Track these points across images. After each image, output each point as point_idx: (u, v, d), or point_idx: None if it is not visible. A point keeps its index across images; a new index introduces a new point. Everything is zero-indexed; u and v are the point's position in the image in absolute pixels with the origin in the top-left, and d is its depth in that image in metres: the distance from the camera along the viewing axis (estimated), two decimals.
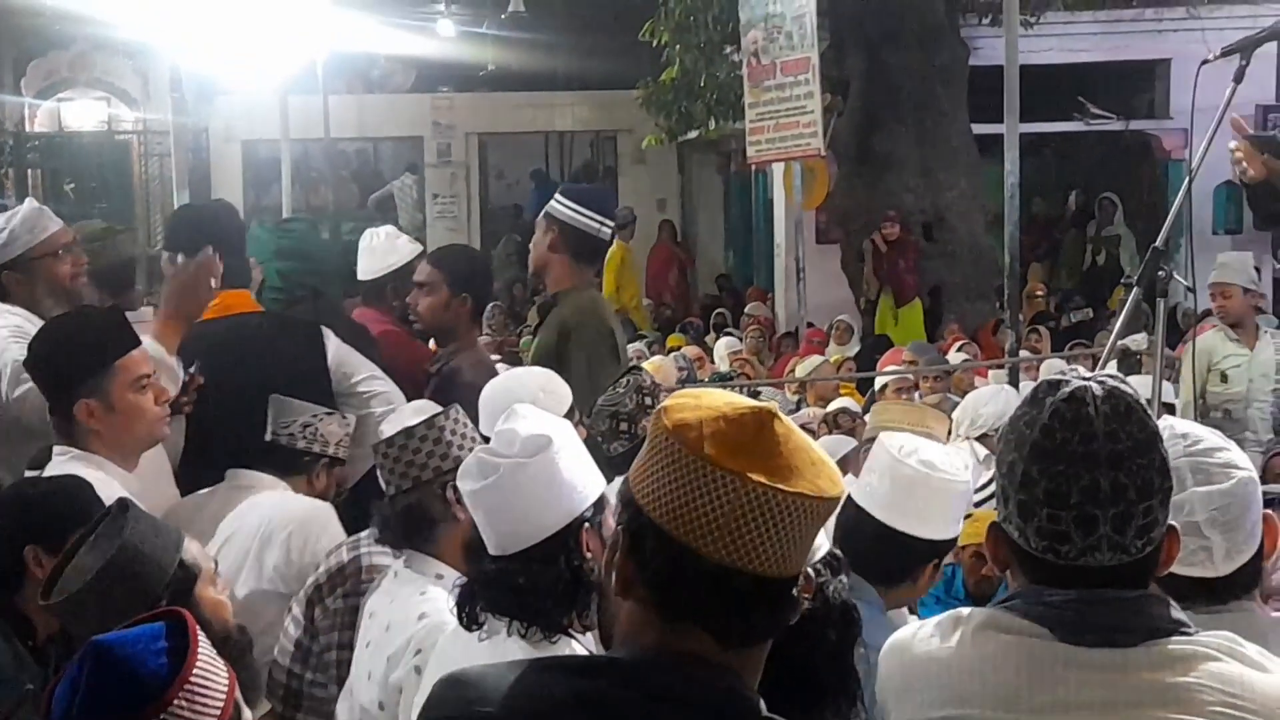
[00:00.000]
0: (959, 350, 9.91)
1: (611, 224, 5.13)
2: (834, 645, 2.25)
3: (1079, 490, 1.97)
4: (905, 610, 3.41)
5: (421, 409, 3.55)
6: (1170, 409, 6.98)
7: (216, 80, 16.17)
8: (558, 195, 5.16)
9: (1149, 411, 2.04)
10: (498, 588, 2.68)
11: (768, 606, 1.73)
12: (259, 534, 3.82)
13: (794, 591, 1.74)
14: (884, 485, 3.07)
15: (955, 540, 3.19)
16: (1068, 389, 2.02)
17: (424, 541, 3.21)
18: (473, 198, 20.37)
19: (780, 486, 1.67)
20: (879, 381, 8.89)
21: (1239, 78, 4.47)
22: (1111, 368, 5.19)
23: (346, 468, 4.26)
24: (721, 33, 13.44)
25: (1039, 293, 13.62)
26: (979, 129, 13.04)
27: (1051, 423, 2.00)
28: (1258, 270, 8.64)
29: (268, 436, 4.09)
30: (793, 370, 10.30)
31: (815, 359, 10.37)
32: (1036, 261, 15.33)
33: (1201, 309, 8.44)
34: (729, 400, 1.76)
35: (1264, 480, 5.81)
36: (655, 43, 14.12)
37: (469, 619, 2.73)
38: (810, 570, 2.20)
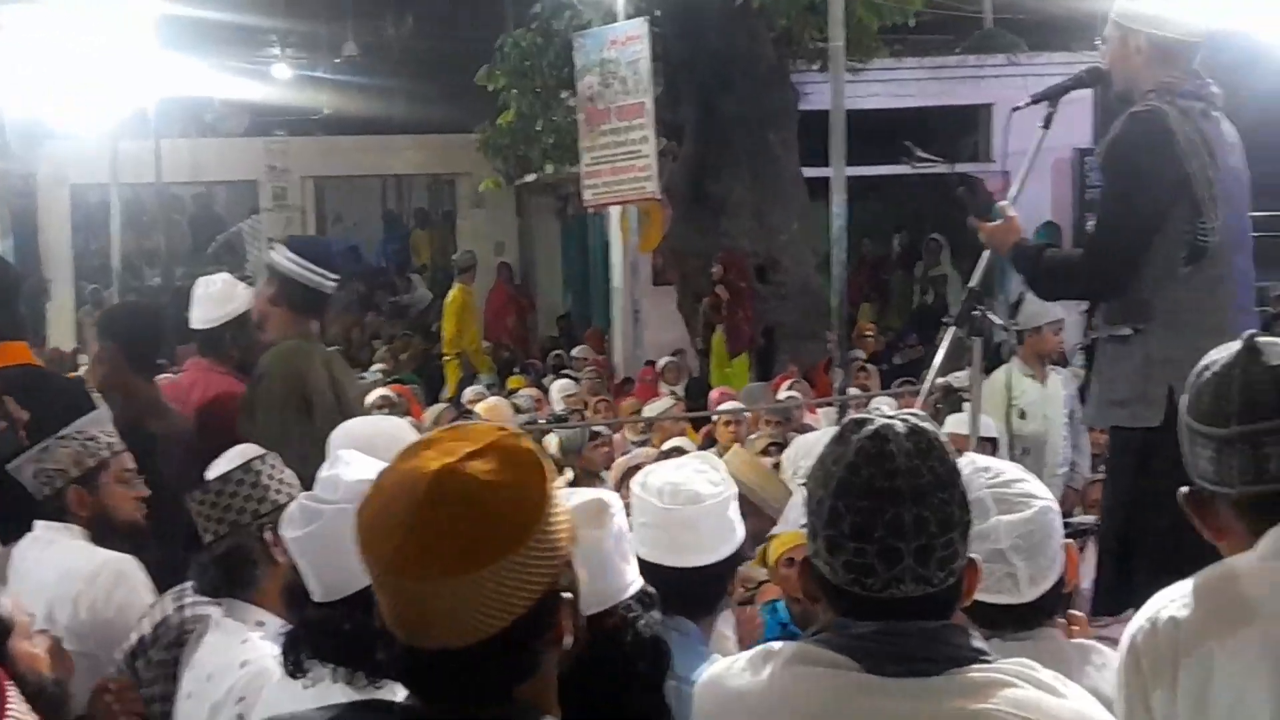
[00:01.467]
0: (789, 389, 10.08)
1: (334, 276, 5.13)
2: (645, 679, 2.29)
3: (883, 524, 2.03)
4: (729, 636, 3.47)
5: (242, 453, 3.53)
6: (993, 443, 7.20)
7: (44, 124, 15.83)
8: (280, 248, 5.20)
9: (949, 447, 2.12)
10: (322, 634, 2.67)
11: (498, 661, 1.78)
12: (47, 593, 3.69)
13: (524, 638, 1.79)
14: (660, 531, 3.00)
15: (742, 546, 3.19)
16: (871, 427, 2.09)
17: (244, 588, 3.19)
18: None
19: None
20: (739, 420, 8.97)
21: (1047, 123, 4.67)
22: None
23: None
24: (557, 77, 13.54)
25: (869, 332, 13.90)
26: (810, 172, 13.28)
27: (857, 460, 2.06)
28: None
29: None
30: (638, 411, 10.43)
31: (667, 400, 10.49)
32: (866, 302, 15.65)
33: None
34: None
35: (1068, 511, 6.04)
36: (492, 87, 14.17)
37: (294, 666, 2.72)
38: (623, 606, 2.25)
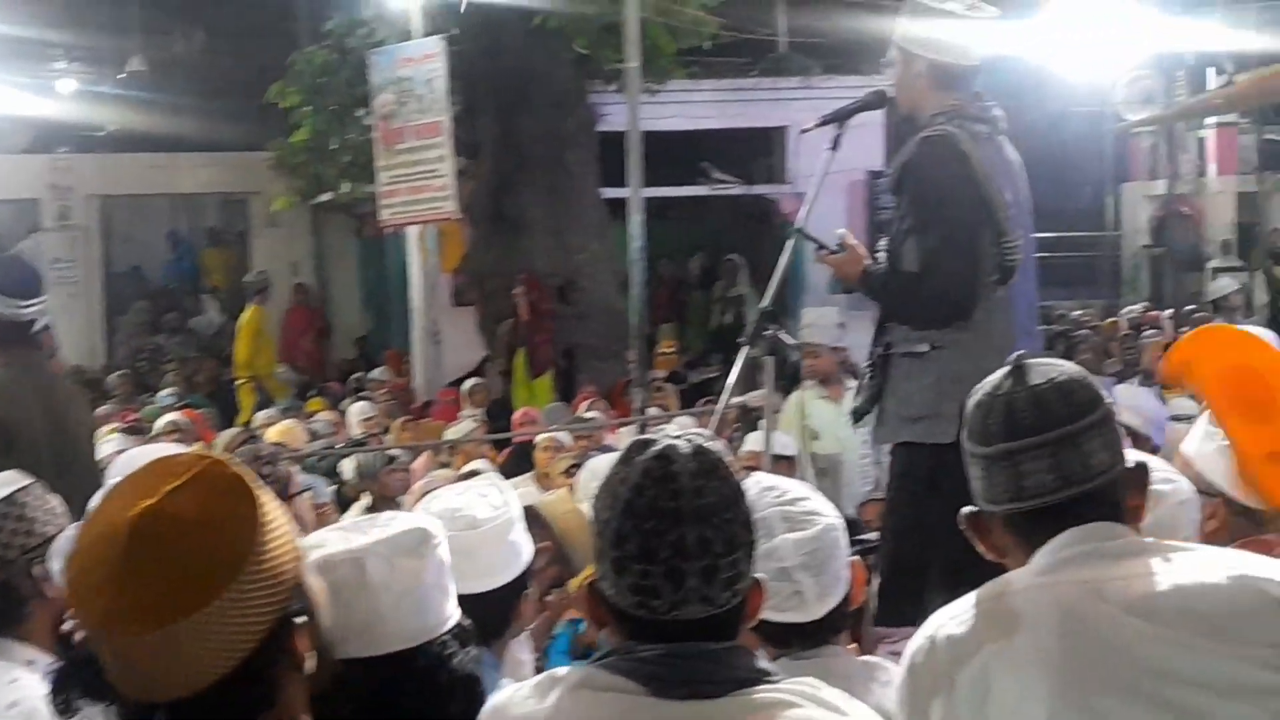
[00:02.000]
0: (589, 409, 10.09)
1: (23, 302, 4.94)
2: (458, 717, 2.24)
3: (668, 545, 2.02)
4: (526, 660, 3.42)
5: (4, 484, 3.36)
6: (790, 461, 7.29)
7: None
8: None
9: (733, 467, 2.12)
10: (93, 672, 2.56)
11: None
12: None
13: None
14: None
15: (529, 570, 3.14)
16: (656, 448, 2.08)
17: (12, 625, 3.05)
18: (95, 263, 19.54)
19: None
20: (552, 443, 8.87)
21: (835, 145, 4.74)
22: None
23: None
24: (352, 95, 13.37)
25: (668, 351, 14.00)
26: (609, 193, 13.35)
27: (642, 481, 2.05)
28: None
29: None
30: (438, 432, 10.33)
31: (469, 423, 10.41)
32: (666, 322, 15.77)
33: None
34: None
35: (858, 529, 6.12)
36: (284, 105, 13.93)
37: (64, 706, 2.59)
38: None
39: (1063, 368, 2.21)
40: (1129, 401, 6.00)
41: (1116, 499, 2.17)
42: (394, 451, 9.48)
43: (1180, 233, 18.02)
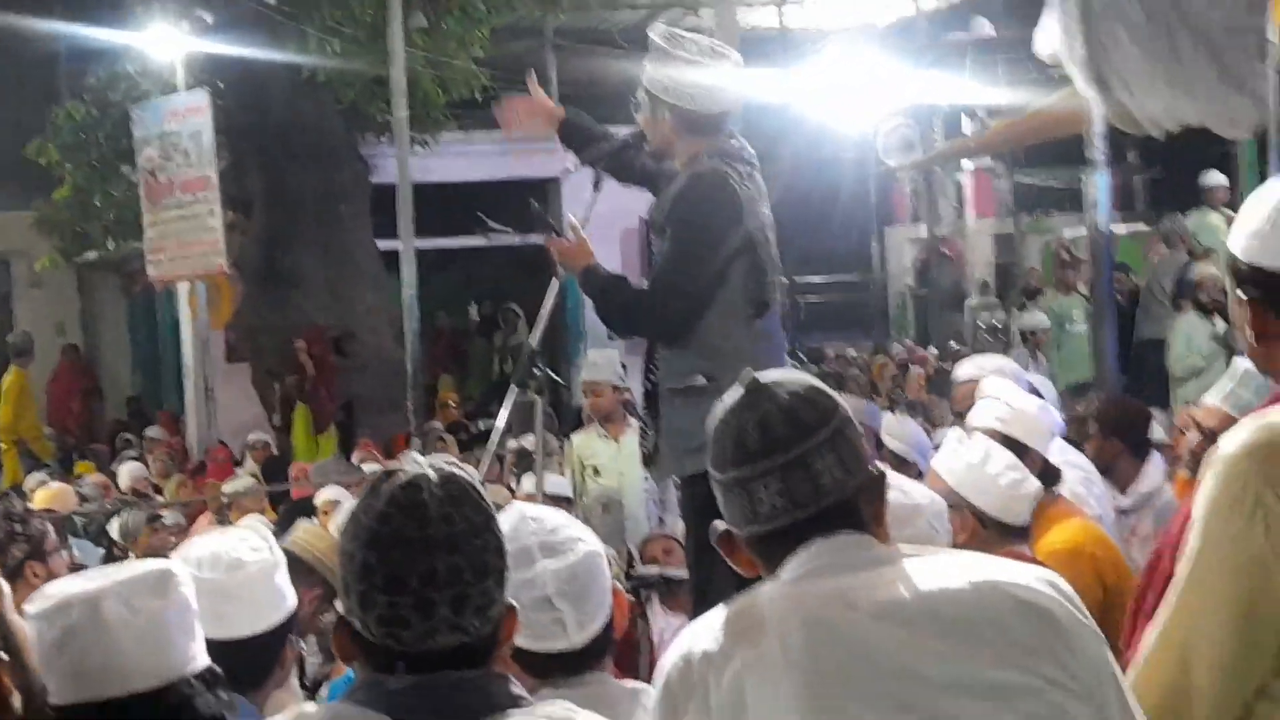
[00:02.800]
0: (364, 462, 9.99)
1: None
2: None
3: (417, 575, 2.01)
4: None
5: None
6: (568, 501, 7.33)
7: None
8: None
9: (484, 495, 2.13)
10: None
11: None
12: None
13: None
14: (202, 601, 2.76)
15: (294, 615, 3.10)
16: (404, 477, 2.07)
17: None
18: None
19: None
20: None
21: (597, 186, 4.82)
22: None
23: None
24: (116, 151, 13.07)
25: (450, 402, 13.94)
26: (385, 244, 13.26)
27: (389, 510, 2.04)
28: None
29: None
30: (216, 490, 10.12)
31: (247, 479, 10.20)
32: (446, 373, 15.70)
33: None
34: None
35: (644, 561, 6.19)
36: (45, 161, 13.54)
37: None
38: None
39: (794, 384, 2.21)
40: (895, 430, 6.20)
41: (858, 510, 2.18)
42: (166, 511, 9.24)
43: (942, 273, 18.64)
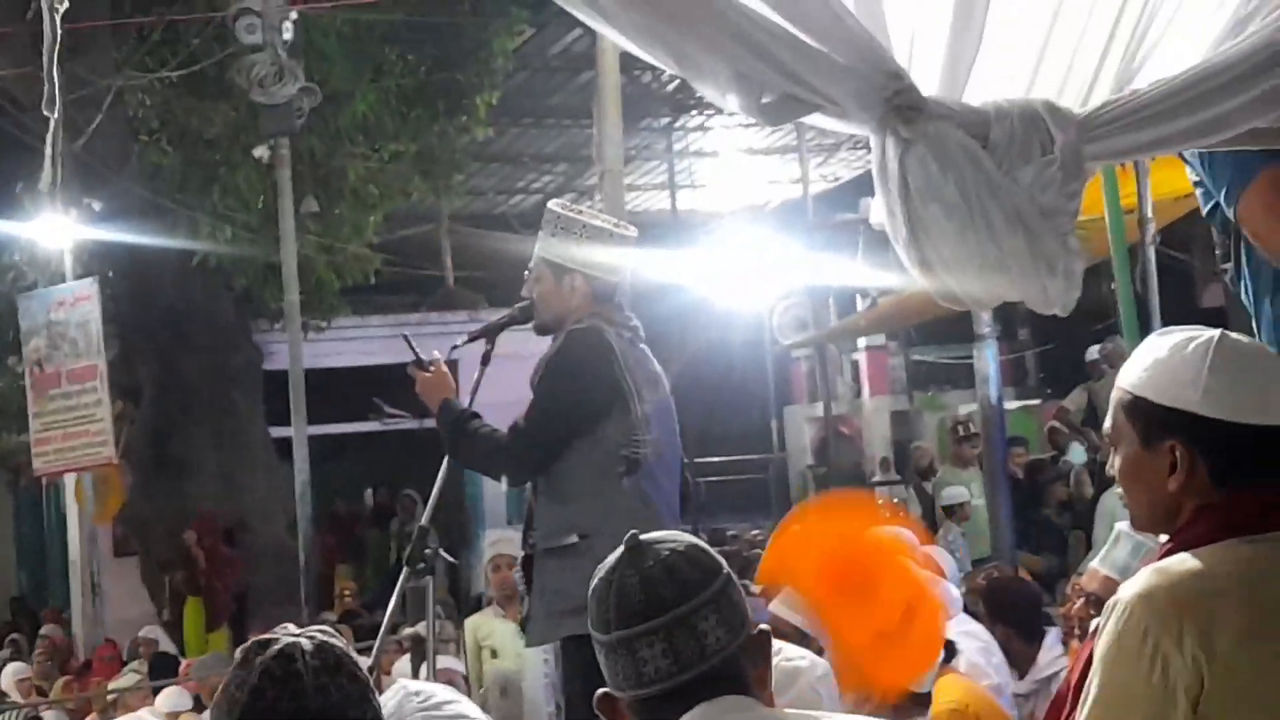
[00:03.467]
0: None
1: None
2: None
3: None
4: None
5: None
6: (463, 677, 7.17)
7: None
8: None
9: (359, 663, 2.06)
10: None
11: None
12: None
13: None
14: None
15: None
16: (276, 647, 2.01)
17: None
18: None
19: None
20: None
21: (485, 361, 4.78)
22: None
23: None
24: (1, 342, 12.88)
25: (346, 592, 13.68)
26: (280, 431, 13.12)
27: (261, 683, 1.98)
28: None
29: None
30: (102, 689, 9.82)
31: (132, 676, 9.90)
32: (342, 562, 15.44)
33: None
34: None
35: None
36: None
37: None
38: None
39: (676, 543, 2.17)
40: (791, 602, 6.14)
41: (742, 671, 2.14)
42: (48, 713, 8.91)
43: (841, 452, 18.78)
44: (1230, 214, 2.70)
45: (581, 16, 2.24)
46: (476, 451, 4.56)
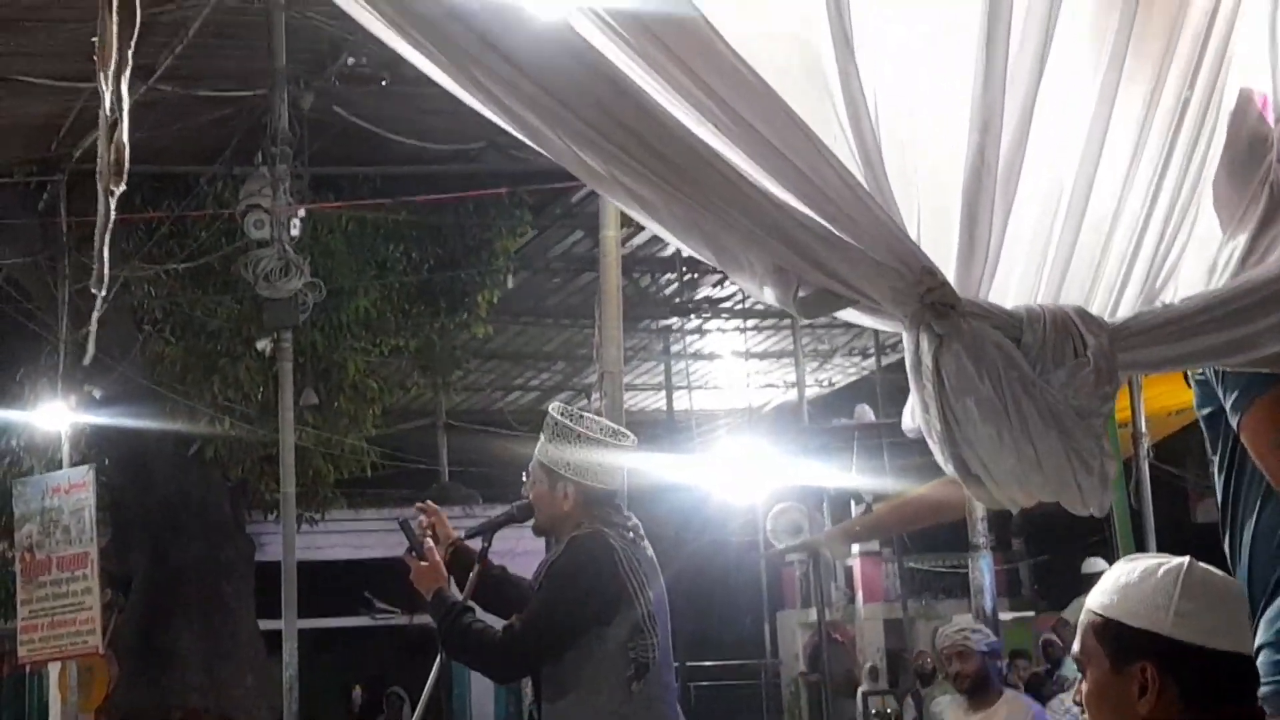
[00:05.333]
0: None
1: None
2: None
3: None
4: None
5: None
6: None
7: None
8: None
9: None
10: None
11: None
12: None
13: None
14: None
15: None
16: None
17: None
18: None
19: None
20: None
21: (482, 558, 4.75)
22: None
23: None
24: None
25: None
26: (268, 624, 12.97)
27: None
28: None
29: None
30: None
31: None
32: None
33: None
34: None
35: None
36: None
37: None
38: None
39: None
40: None
41: None
42: None
43: (834, 659, 18.58)
44: (1234, 423, 2.71)
45: (624, 209, 2.30)
46: (468, 646, 4.51)
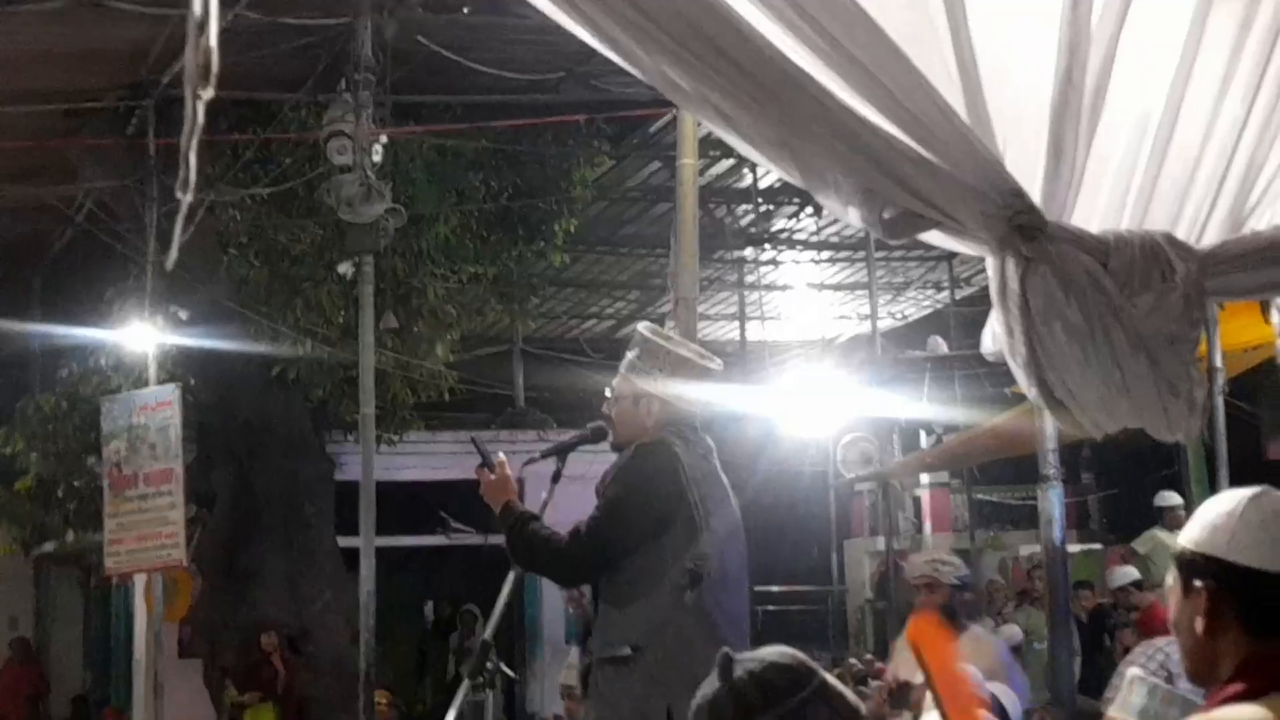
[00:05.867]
0: None
1: None
2: None
3: None
4: None
5: None
6: None
7: None
8: None
9: None
10: None
11: None
12: None
13: None
14: None
15: None
16: None
17: None
18: None
19: None
20: None
21: (556, 478, 4.82)
22: None
23: None
24: (83, 442, 13.11)
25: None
26: (346, 541, 13.22)
27: None
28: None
29: None
30: None
31: None
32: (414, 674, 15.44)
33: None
34: None
35: None
36: (10, 451, 13.55)
37: None
38: None
39: (765, 656, 2.19)
40: None
41: None
42: None
43: (901, 588, 18.61)
44: None
45: (713, 127, 2.32)
46: (535, 551, 4.59)
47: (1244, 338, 10.08)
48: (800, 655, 2.22)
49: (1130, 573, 12.79)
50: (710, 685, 2.19)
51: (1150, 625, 12.01)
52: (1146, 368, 2.27)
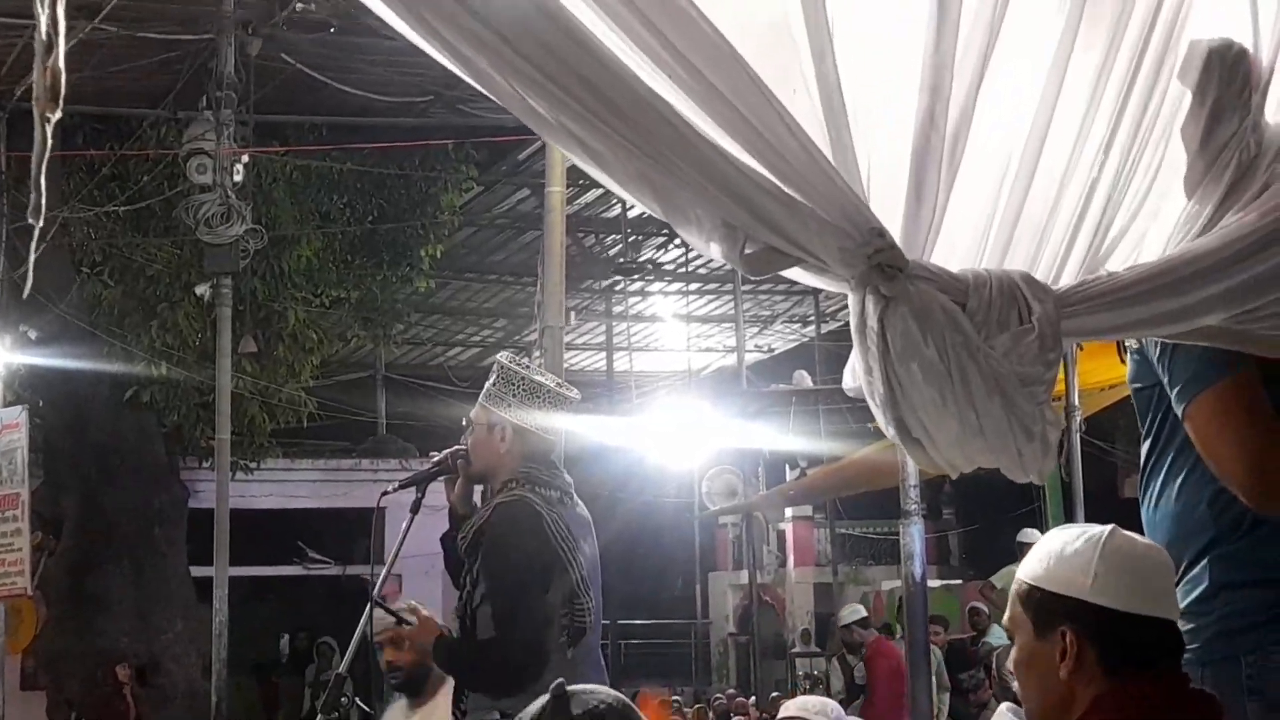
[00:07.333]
0: None
1: None
2: None
3: None
4: None
5: None
6: None
7: None
8: None
9: None
10: None
11: None
12: None
13: None
14: None
15: None
16: None
17: None
18: None
19: None
20: None
21: (415, 509, 4.67)
22: None
23: None
24: None
25: None
26: (200, 570, 12.93)
27: None
28: None
29: None
30: None
31: None
32: (266, 709, 15.13)
33: None
34: None
35: None
36: None
37: None
38: None
39: (602, 696, 2.17)
40: None
41: None
42: None
43: (764, 621, 18.71)
44: (1179, 411, 2.71)
45: (572, 158, 2.26)
46: (474, 674, 4.39)
47: (1101, 377, 10.28)
48: (632, 705, 2.19)
49: (857, 610, 13.37)
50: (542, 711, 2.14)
51: (875, 662, 12.41)
52: (1001, 410, 2.26)
